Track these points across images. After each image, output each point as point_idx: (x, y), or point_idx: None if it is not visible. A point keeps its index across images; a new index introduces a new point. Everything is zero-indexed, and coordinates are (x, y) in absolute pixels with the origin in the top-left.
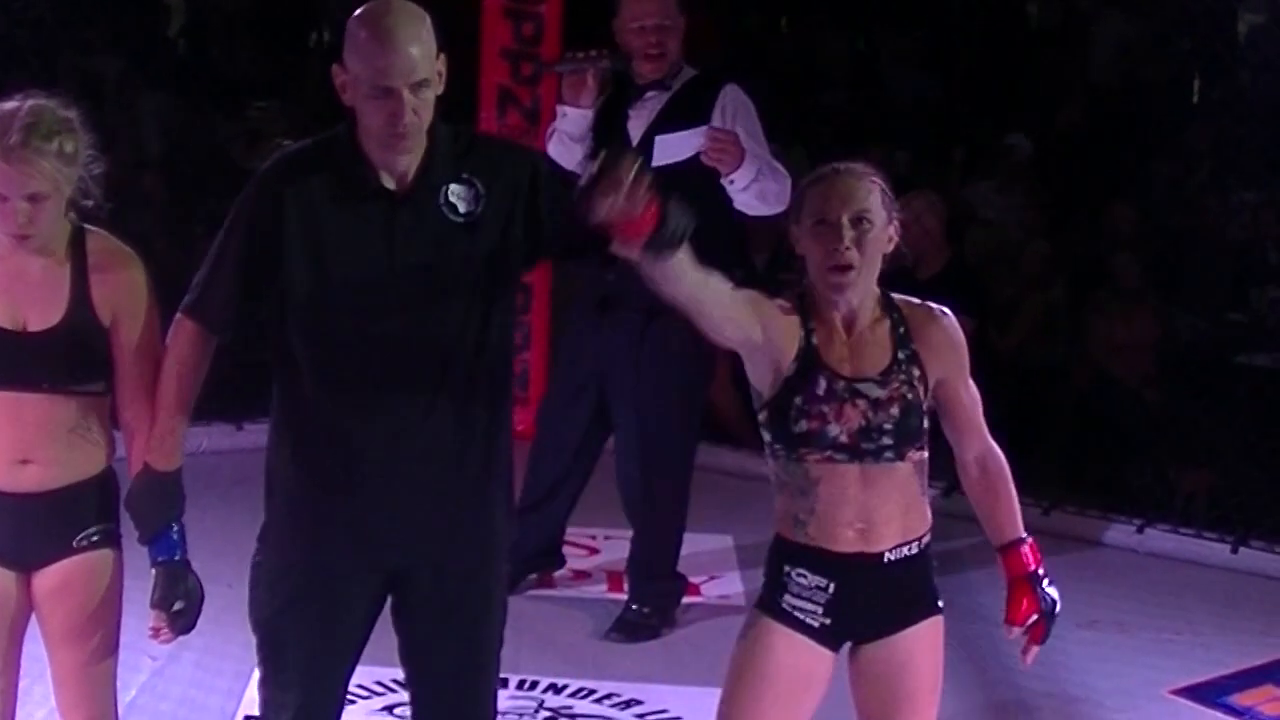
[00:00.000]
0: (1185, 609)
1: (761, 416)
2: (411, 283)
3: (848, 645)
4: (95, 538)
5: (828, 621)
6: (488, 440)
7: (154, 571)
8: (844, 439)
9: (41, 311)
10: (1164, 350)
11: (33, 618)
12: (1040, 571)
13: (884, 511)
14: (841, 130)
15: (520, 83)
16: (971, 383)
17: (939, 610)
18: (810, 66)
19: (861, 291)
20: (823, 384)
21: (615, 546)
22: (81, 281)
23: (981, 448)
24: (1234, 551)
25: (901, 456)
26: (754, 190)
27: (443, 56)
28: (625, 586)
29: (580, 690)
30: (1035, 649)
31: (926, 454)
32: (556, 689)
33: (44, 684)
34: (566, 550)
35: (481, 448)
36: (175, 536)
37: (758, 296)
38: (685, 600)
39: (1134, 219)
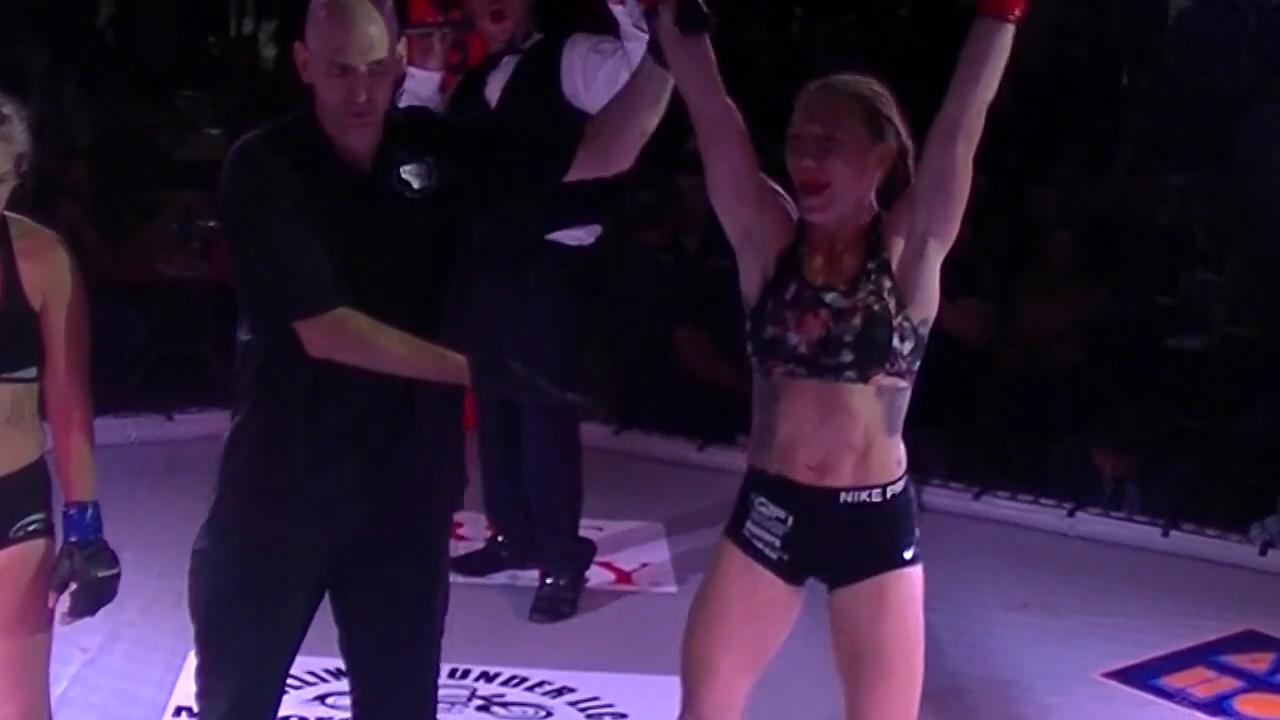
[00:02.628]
0: (1116, 592)
1: (747, 327)
2: (368, 262)
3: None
4: (32, 527)
5: (785, 556)
6: (438, 422)
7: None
8: (803, 349)
9: None
10: (1093, 333)
11: None
12: None
13: (840, 445)
14: (766, 118)
15: (455, 48)
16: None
17: (904, 564)
18: (735, 53)
19: (836, 214)
20: (792, 289)
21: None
22: (10, 268)
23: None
24: (1164, 535)
25: (865, 377)
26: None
27: (404, 39)
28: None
29: (512, 678)
30: None
31: (902, 387)
32: (489, 677)
33: None
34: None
35: (432, 430)
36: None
37: (770, 186)
38: (617, 588)
39: (1057, 202)
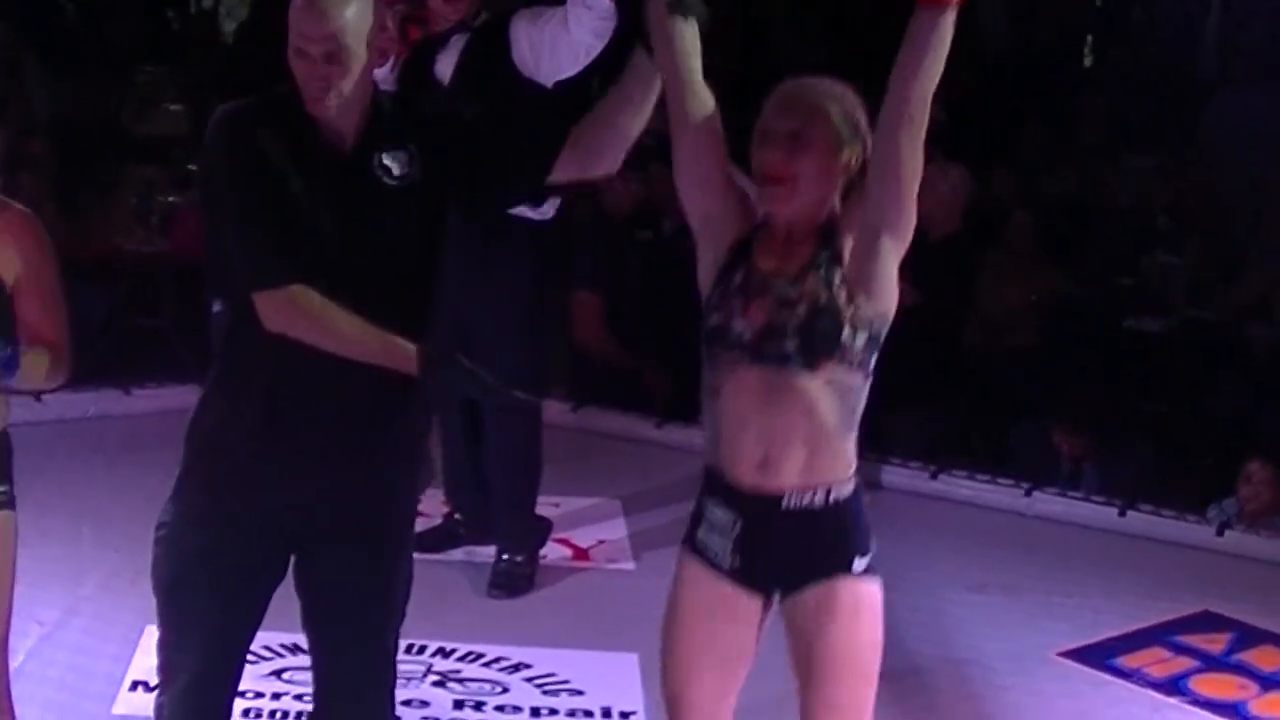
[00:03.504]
0: (1073, 572)
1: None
2: (343, 246)
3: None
4: None
5: (738, 562)
6: (404, 404)
7: None
8: (747, 336)
9: None
10: (1053, 314)
11: None
12: None
13: (785, 439)
14: (728, 99)
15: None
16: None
17: (853, 573)
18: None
19: (795, 207)
20: (740, 276)
21: None
22: None
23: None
24: (1121, 515)
25: (811, 366)
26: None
27: (379, 36)
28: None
29: (469, 654)
30: None
31: (854, 383)
32: (445, 653)
33: None
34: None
35: (398, 410)
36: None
37: (737, 175)
38: (574, 565)
39: (1017, 184)
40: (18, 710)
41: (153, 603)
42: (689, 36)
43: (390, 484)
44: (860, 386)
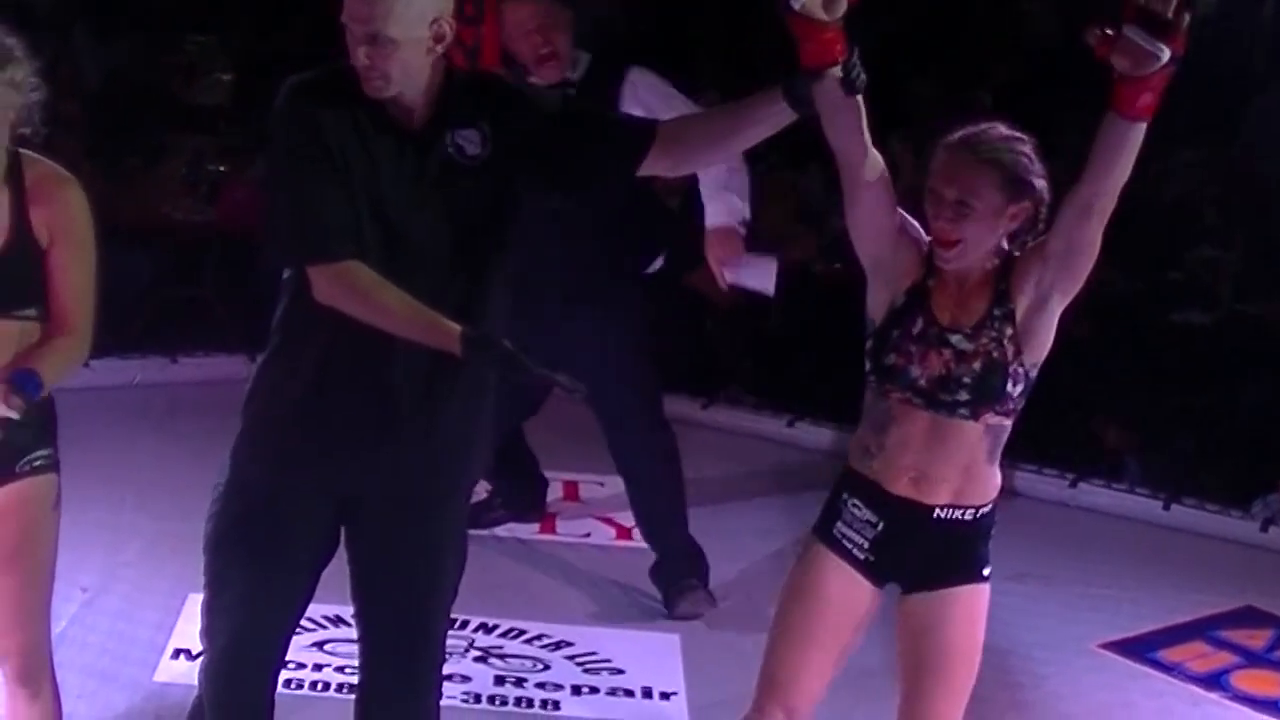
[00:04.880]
0: (1115, 565)
1: (868, 344)
2: (409, 222)
3: (898, 592)
4: (38, 463)
5: (871, 557)
6: (458, 380)
7: None
8: (922, 383)
9: None
10: (1098, 307)
11: None
12: None
13: (943, 468)
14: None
15: (464, 22)
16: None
17: (981, 579)
18: (743, 23)
19: (968, 262)
20: (919, 324)
21: (549, 490)
22: (20, 206)
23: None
24: (1165, 508)
25: (976, 416)
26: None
27: (445, 20)
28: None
29: (511, 630)
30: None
31: (1007, 424)
32: (487, 629)
33: None
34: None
35: (452, 386)
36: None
37: (909, 224)
38: (617, 544)
39: (1062, 175)
40: (60, 677)
41: (195, 570)
42: (860, 108)
43: (441, 458)
44: (1009, 425)
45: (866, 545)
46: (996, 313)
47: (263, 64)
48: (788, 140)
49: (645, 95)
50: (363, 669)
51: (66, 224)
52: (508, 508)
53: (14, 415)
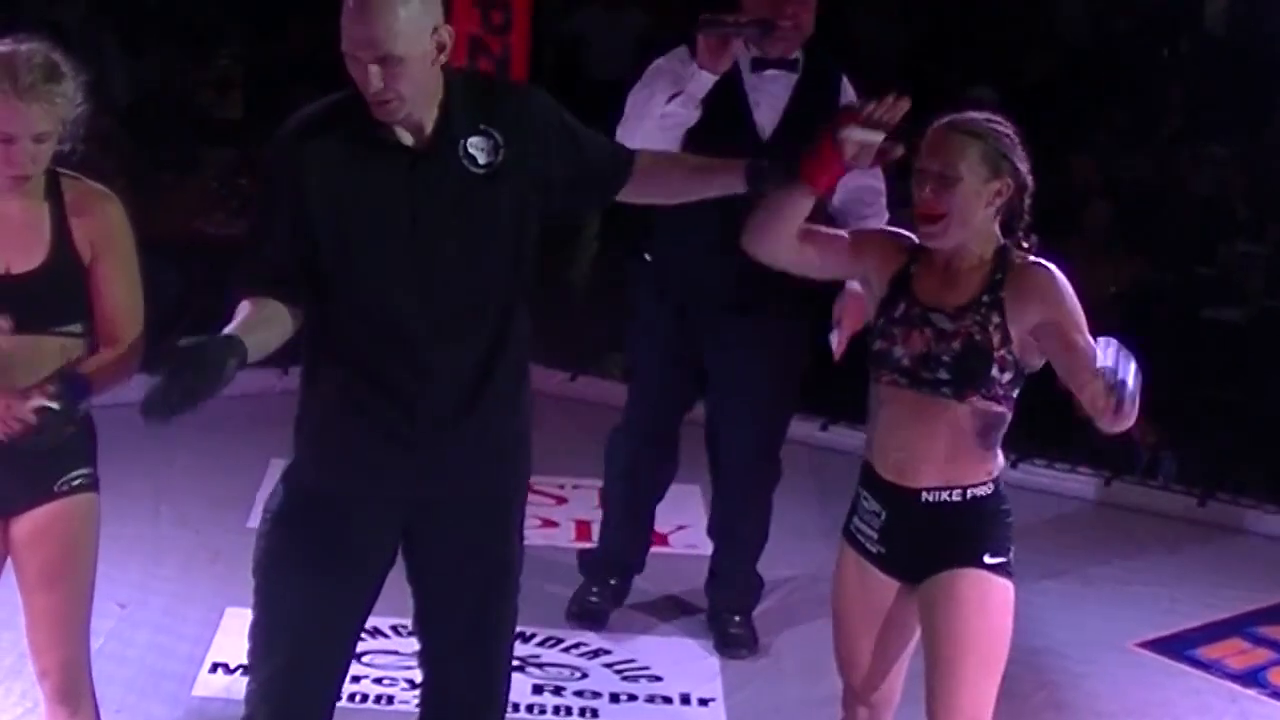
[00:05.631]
0: (1151, 562)
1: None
2: (434, 236)
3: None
4: (77, 482)
5: (881, 549)
6: (509, 384)
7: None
8: (905, 362)
9: (24, 254)
10: (1131, 303)
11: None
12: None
13: (926, 448)
14: None
15: (491, 31)
16: (1083, 330)
17: (984, 566)
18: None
19: (954, 241)
20: (901, 307)
21: (583, 496)
22: (61, 222)
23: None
24: (1200, 504)
25: (960, 397)
26: None
27: (443, 29)
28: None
29: (548, 639)
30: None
31: (999, 409)
32: (524, 638)
33: (12, 630)
34: (533, 499)
35: (503, 391)
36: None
37: (863, 235)
38: (654, 550)
39: (1095, 172)
40: (98, 692)
41: (232, 583)
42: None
43: (496, 460)
44: (1003, 412)
45: (875, 537)
46: (985, 299)
47: (296, 78)
48: None
49: None
50: (431, 677)
51: (108, 239)
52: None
53: (53, 405)
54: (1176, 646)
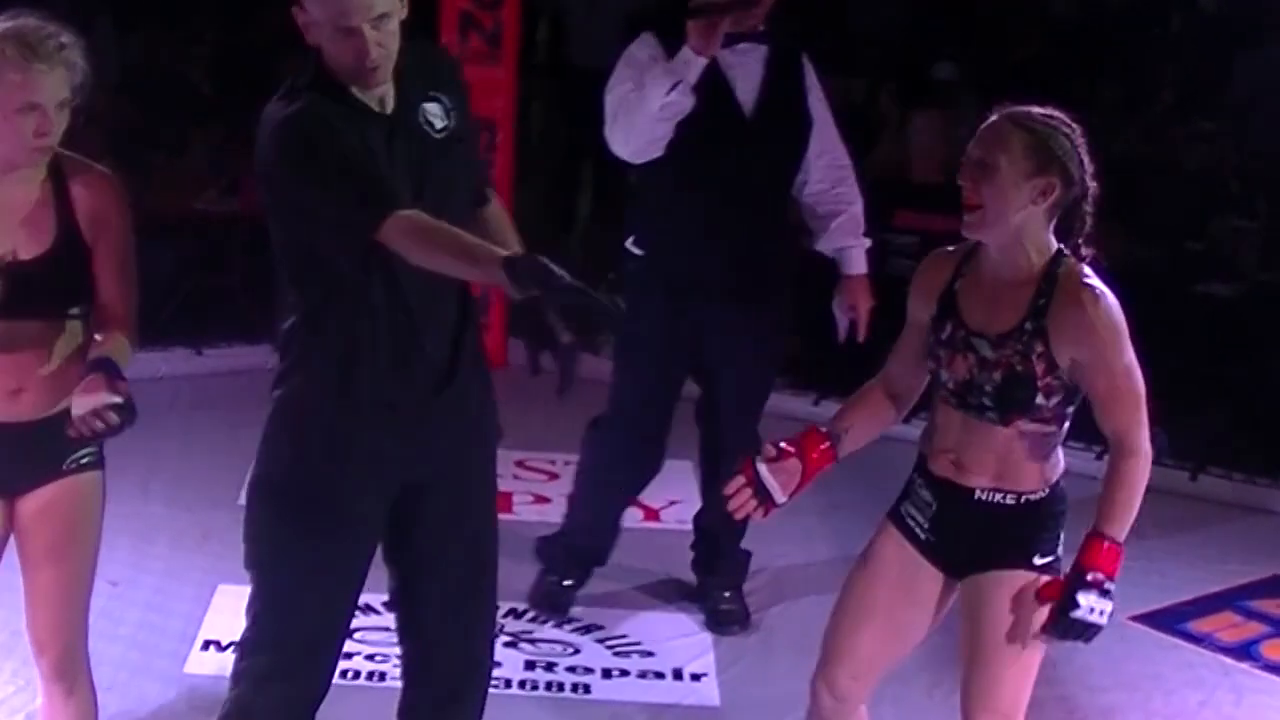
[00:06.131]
0: (1143, 537)
1: None
2: (417, 201)
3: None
4: (85, 460)
5: (932, 538)
6: (474, 357)
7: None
8: (951, 385)
9: (30, 239)
10: (1122, 278)
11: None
12: (1092, 577)
13: (977, 456)
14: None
15: (482, 6)
16: (1120, 371)
17: (1032, 565)
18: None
19: (993, 236)
20: (948, 329)
21: (574, 473)
22: (65, 205)
23: (1115, 438)
24: (1193, 479)
25: (1005, 422)
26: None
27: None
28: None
29: (540, 615)
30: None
31: (1051, 429)
32: (517, 614)
33: (3, 609)
34: (525, 475)
35: (471, 364)
36: None
37: (911, 299)
38: (646, 525)
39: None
40: (91, 669)
41: (224, 561)
42: None
43: (475, 425)
44: (1055, 430)
45: (926, 525)
46: (1028, 326)
47: (283, 57)
48: None
49: (817, 90)
50: (415, 650)
51: (111, 221)
52: None
53: (119, 399)
54: (1169, 620)
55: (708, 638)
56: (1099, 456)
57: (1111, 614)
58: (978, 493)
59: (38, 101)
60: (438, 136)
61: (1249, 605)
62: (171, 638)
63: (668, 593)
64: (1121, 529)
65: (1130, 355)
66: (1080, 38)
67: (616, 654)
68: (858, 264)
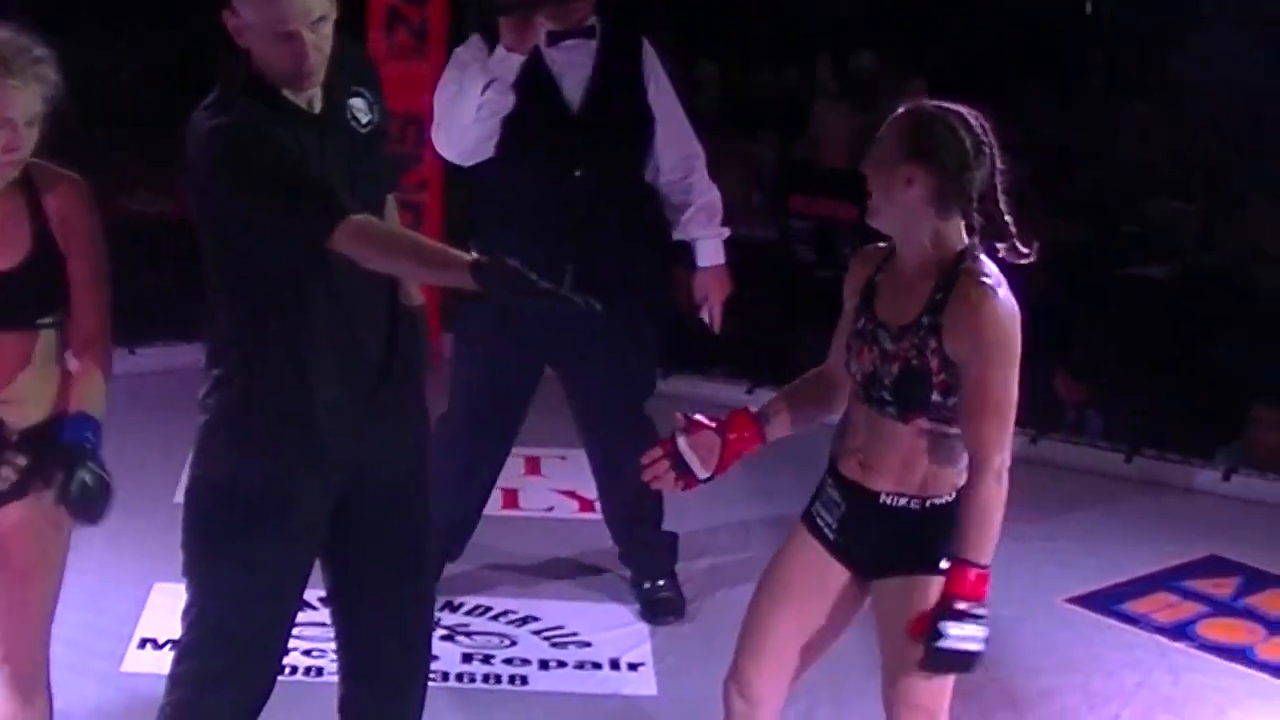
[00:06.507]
0: (1079, 519)
1: None
2: (353, 204)
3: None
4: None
5: (841, 539)
6: (406, 355)
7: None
8: (859, 378)
9: (7, 250)
10: (1056, 261)
11: None
12: (959, 606)
13: (881, 456)
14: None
15: (409, 2)
16: (994, 380)
17: (938, 570)
18: None
19: (886, 226)
20: (861, 321)
21: (511, 464)
22: (38, 213)
23: (972, 452)
24: (1127, 461)
25: (904, 419)
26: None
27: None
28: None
29: (476, 608)
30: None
31: (949, 430)
32: (452, 607)
33: None
34: None
35: (404, 362)
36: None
37: (846, 296)
38: (580, 516)
39: (1016, 133)
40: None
41: (159, 561)
42: None
43: (407, 424)
44: (958, 433)
45: (835, 526)
46: (925, 321)
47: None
48: (738, 106)
49: (661, 81)
50: (352, 650)
51: (83, 228)
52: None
53: (87, 479)
54: (1105, 601)
55: (644, 627)
56: (1034, 440)
57: (985, 640)
58: (883, 496)
59: (9, 117)
60: (364, 131)
61: (1185, 585)
62: (108, 637)
63: (603, 583)
64: (982, 552)
65: (1011, 370)
66: (1009, 23)
67: (553, 645)
68: (707, 255)
